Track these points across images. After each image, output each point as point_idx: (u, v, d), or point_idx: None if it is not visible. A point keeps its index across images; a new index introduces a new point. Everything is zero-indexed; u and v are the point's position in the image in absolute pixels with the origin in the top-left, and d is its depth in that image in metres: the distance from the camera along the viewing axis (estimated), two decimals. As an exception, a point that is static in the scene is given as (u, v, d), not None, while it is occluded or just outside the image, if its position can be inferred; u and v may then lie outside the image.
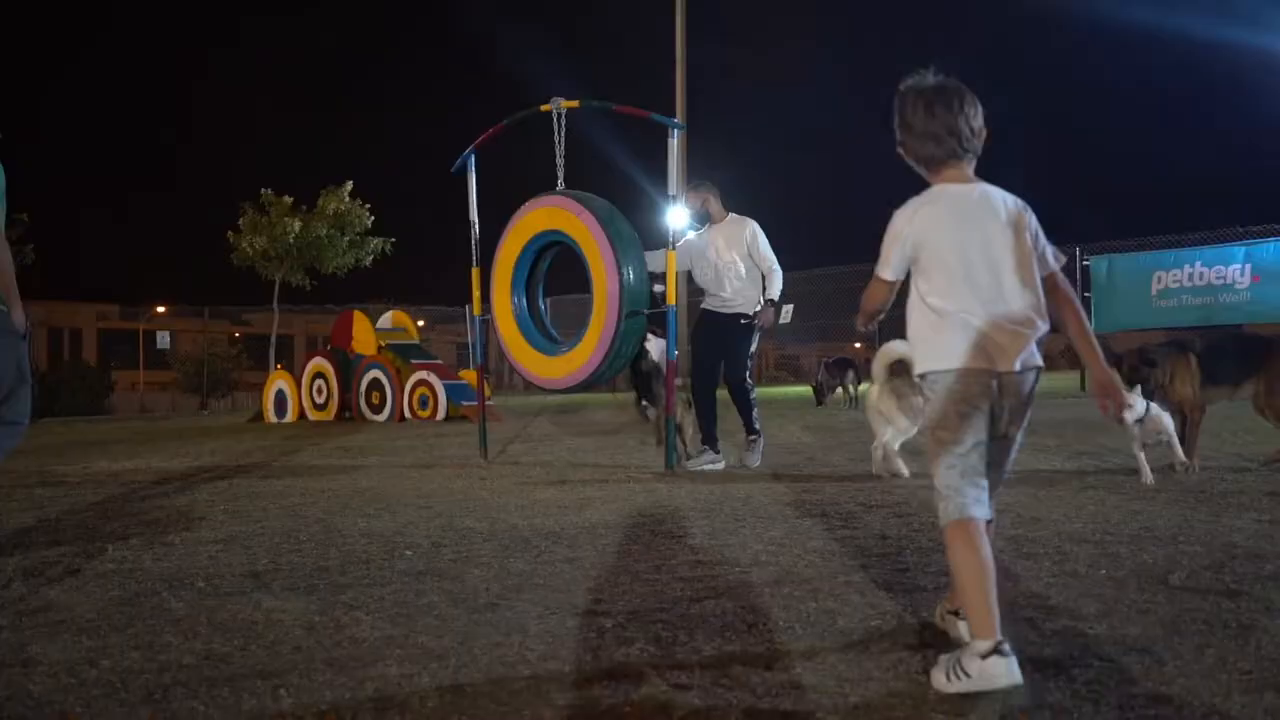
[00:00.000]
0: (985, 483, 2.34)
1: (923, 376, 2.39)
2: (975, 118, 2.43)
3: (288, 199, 21.64)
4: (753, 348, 6.75)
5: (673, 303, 6.51)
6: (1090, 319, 16.36)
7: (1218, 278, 14.31)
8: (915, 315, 2.42)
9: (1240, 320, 15.36)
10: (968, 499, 2.30)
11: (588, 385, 7.02)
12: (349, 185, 21.87)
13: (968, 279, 2.32)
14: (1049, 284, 2.41)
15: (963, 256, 2.33)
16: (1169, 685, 2.17)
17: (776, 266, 6.69)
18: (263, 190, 21.71)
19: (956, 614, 2.47)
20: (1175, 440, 5.39)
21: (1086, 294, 15.74)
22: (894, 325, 2.80)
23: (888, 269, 2.48)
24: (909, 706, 2.10)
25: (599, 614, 2.88)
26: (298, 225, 21.15)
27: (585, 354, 6.71)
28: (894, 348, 5.55)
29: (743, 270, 6.61)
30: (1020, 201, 2.43)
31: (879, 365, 5.68)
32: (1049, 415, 9.55)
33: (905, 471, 5.66)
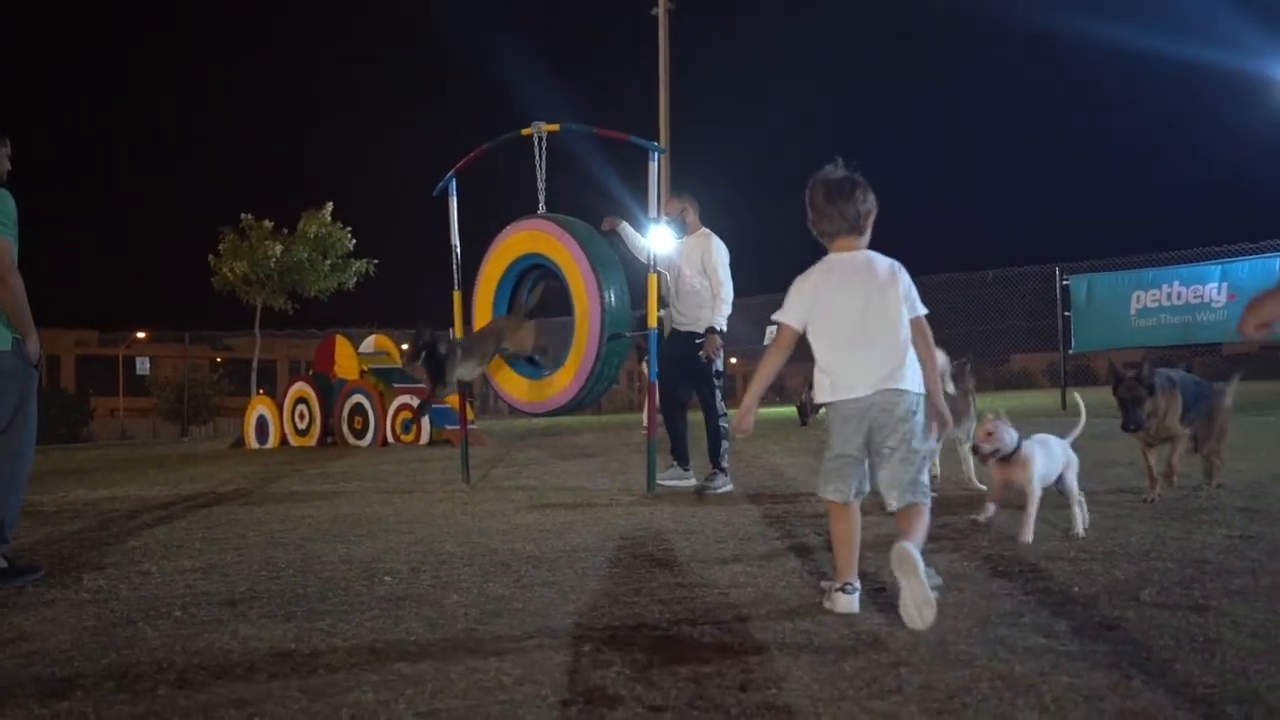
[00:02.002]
0: (851, 479, 3.08)
1: (826, 410, 3.15)
2: (864, 203, 3.12)
3: (268, 223, 21.61)
4: (716, 368, 6.58)
5: (654, 325, 6.54)
6: (1071, 338, 16.46)
7: (1195, 297, 14.46)
8: (816, 371, 3.15)
9: (1218, 339, 15.53)
10: (829, 487, 3.11)
11: (570, 409, 7.03)
12: (329, 207, 21.87)
13: (843, 333, 3.04)
14: (914, 326, 3.10)
15: (841, 314, 3.05)
16: (1135, 700, 2.20)
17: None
18: (243, 215, 21.70)
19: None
20: (1032, 506, 4.13)
21: (1067, 313, 15.88)
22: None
23: (791, 316, 3.13)
24: (881, 726, 2.12)
25: (577, 637, 2.89)
26: (278, 249, 21.12)
27: (567, 377, 6.73)
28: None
29: (698, 287, 6.56)
30: (896, 264, 3.13)
31: None
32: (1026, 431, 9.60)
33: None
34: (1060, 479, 4.27)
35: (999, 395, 18.62)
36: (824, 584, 3.24)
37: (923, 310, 3.13)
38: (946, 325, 17.58)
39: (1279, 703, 2.16)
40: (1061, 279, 16.02)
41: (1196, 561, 3.59)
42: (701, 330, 6.50)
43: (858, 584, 3.07)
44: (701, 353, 6.46)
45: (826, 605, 3.05)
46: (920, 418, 3.05)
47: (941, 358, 5.55)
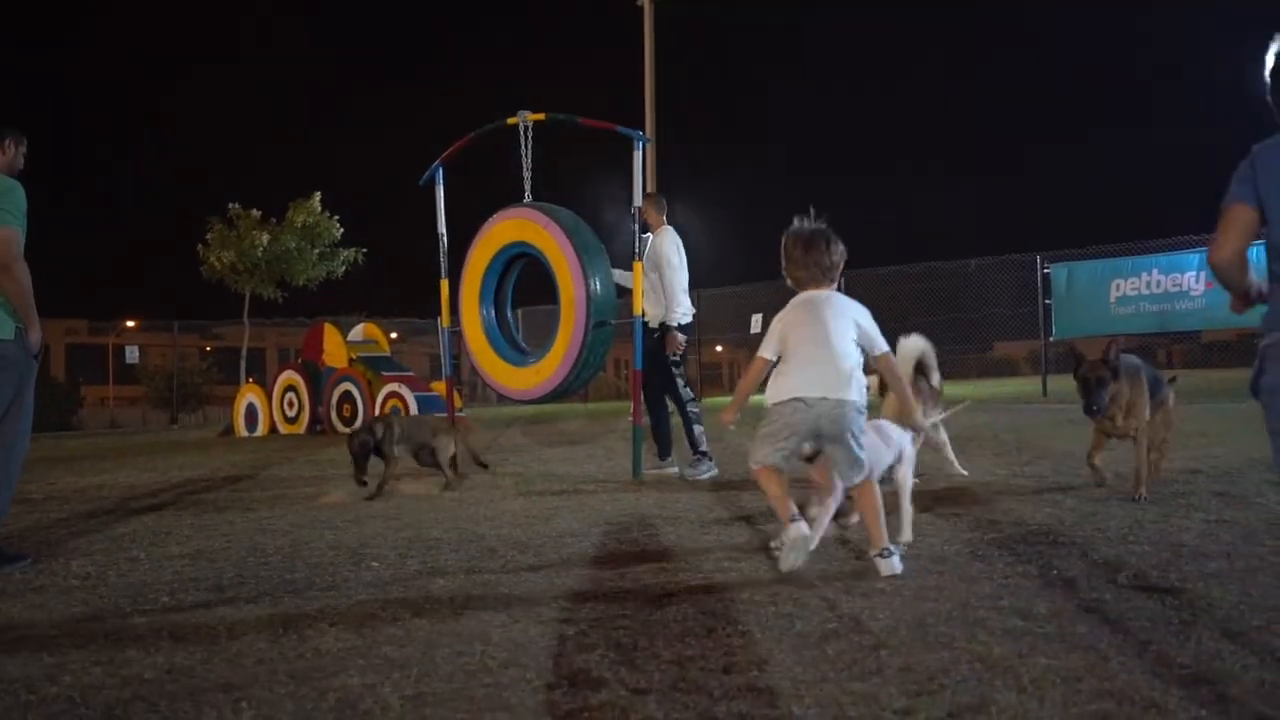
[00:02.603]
0: (781, 452, 3.49)
1: (772, 405, 3.51)
2: (834, 253, 3.62)
3: (255, 212, 21.49)
4: (674, 359, 6.66)
5: (638, 314, 6.56)
6: (1052, 326, 16.50)
7: (1174, 285, 14.55)
8: (772, 376, 3.57)
9: (1196, 327, 15.61)
10: (769, 457, 3.49)
11: (556, 396, 7.05)
12: (317, 197, 21.76)
13: (807, 353, 3.48)
14: (881, 361, 3.67)
15: (808, 341, 3.49)
16: (1112, 680, 2.24)
17: (671, 282, 6.56)
18: (230, 204, 21.58)
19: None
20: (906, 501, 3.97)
21: (1048, 301, 15.95)
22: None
23: (767, 351, 3.58)
24: (863, 707, 2.15)
25: (561, 621, 2.92)
26: (266, 238, 21.02)
27: (553, 365, 6.75)
28: (915, 344, 5.63)
29: (656, 283, 6.64)
30: (859, 306, 3.66)
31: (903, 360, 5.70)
32: (1010, 420, 9.68)
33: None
34: (890, 470, 3.91)
35: (982, 383, 18.72)
36: (773, 543, 3.73)
37: (883, 348, 3.64)
38: (930, 313, 17.64)
39: (1253, 683, 2.20)
40: (1042, 267, 16.09)
41: (1173, 545, 3.64)
42: (655, 325, 6.65)
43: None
44: (666, 347, 6.60)
45: (776, 552, 3.57)
46: (861, 421, 3.50)
47: (924, 344, 5.60)
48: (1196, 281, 14.31)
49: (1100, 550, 3.60)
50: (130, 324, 37.14)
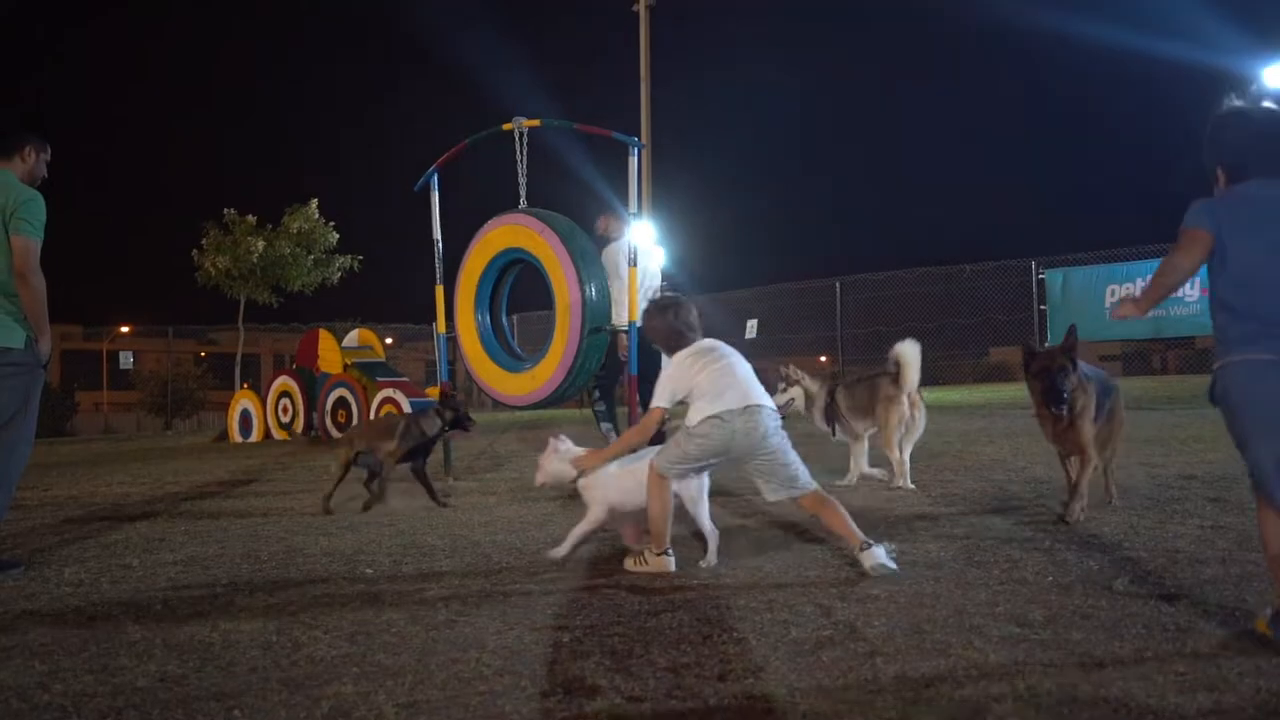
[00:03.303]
0: (681, 472, 3.74)
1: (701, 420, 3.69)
2: (691, 315, 4.00)
3: (251, 218, 21.47)
4: (621, 361, 6.88)
5: (634, 319, 6.55)
6: (1047, 331, 16.51)
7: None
8: (691, 411, 3.78)
9: (1191, 333, 15.63)
10: (676, 469, 3.71)
11: (552, 402, 7.04)
12: (314, 203, 21.75)
13: (716, 381, 3.74)
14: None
15: (714, 374, 3.76)
16: (1108, 688, 2.24)
17: (618, 290, 6.76)
18: (226, 209, 21.56)
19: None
20: (581, 526, 4.00)
21: (1043, 306, 15.98)
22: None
23: (663, 401, 3.84)
24: (859, 715, 2.15)
25: (556, 628, 2.91)
26: (261, 244, 20.99)
27: (548, 370, 6.73)
28: (896, 349, 5.69)
29: (614, 292, 6.84)
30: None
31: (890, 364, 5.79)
32: (1005, 425, 9.68)
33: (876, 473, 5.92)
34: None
35: (978, 388, 18.72)
36: (632, 553, 3.85)
37: None
38: (926, 319, 17.66)
39: (1249, 690, 2.20)
40: (1037, 273, 16.13)
41: (1168, 551, 3.64)
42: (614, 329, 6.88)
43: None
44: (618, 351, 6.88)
45: (645, 563, 3.71)
46: (780, 432, 3.75)
47: (914, 349, 5.64)
48: (1191, 287, 14.32)
49: (1096, 556, 3.60)
50: (125, 329, 37.08)
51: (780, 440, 3.70)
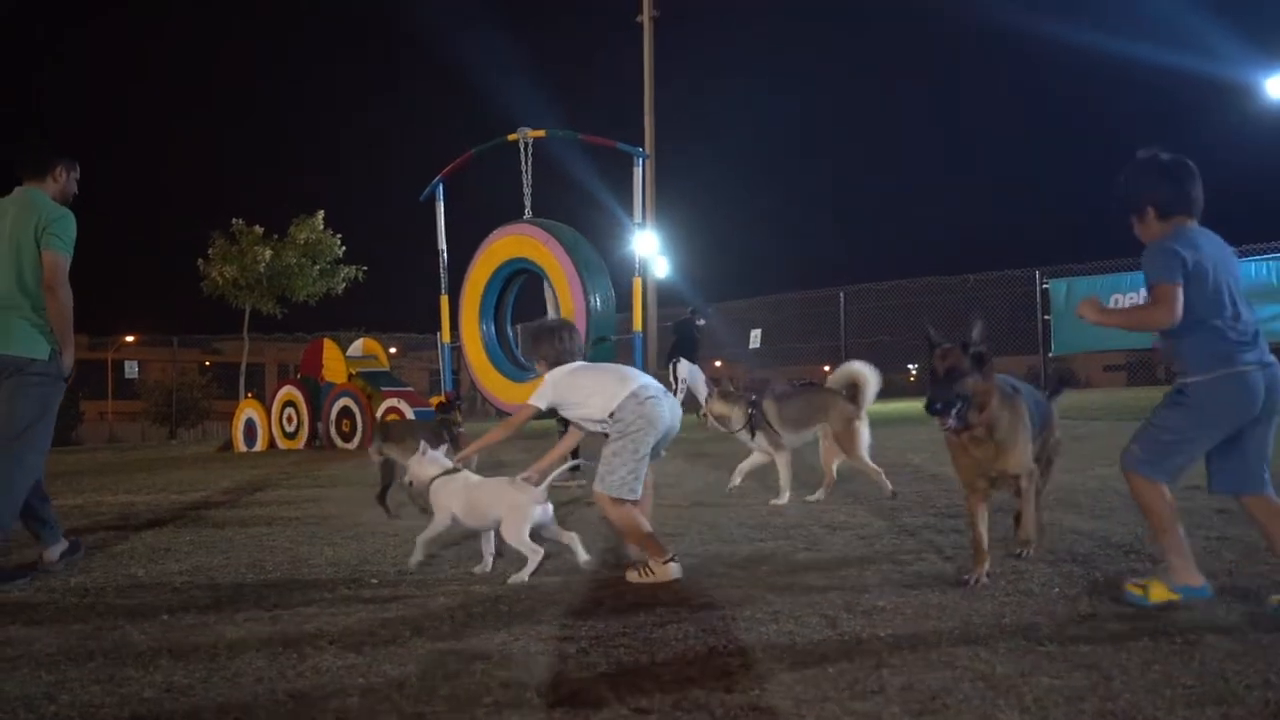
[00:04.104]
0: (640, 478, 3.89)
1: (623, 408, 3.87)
2: (575, 339, 4.31)
3: (258, 228, 21.54)
4: None
5: (639, 329, 6.57)
6: (1051, 342, 16.52)
7: (1173, 300, 14.56)
8: (588, 409, 3.98)
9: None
10: (634, 486, 3.84)
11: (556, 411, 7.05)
12: (320, 214, 21.82)
13: (612, 374, 4.07)
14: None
15: (603, 373, 4.13)
16: (1115, 701, 2.23)
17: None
18: (234, 220, 21.63)
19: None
20: (427, 531, 4.11)
21: (1046, 316, 15.94)
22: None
23: (542, 402, 4.09)
24: (863, 726, 2.15)
25: (562, 639, 2.91)
26: (268, 254, 21.05)
27: (553, 380, 6.74)
28: (853, 369, 5.68)
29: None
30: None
31: (836, 383, 5.81)
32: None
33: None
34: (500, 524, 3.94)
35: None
36: (634, 564, 3.84)
37: None
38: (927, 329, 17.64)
39: (1257, 703, 2.20)
40: (1041, 282, 16.10)
41: None
42: None
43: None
44: None
45: (650, 573, 3.72)
46: None
47: (870, 368, 5.74)
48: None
49: (1102, 567, 3.59)
50: (130, 339, 37.14)
51: None
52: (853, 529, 4.72)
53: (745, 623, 3.02)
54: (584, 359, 4.34)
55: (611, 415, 3.88)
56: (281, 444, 14.44)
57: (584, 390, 4.00)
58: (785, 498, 5.71)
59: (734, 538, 4.63)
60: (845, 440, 5.73)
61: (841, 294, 18.79)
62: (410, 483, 4.28)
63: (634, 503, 3.86)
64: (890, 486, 5.69)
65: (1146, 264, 2.97)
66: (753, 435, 5.93)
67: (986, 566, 3.49)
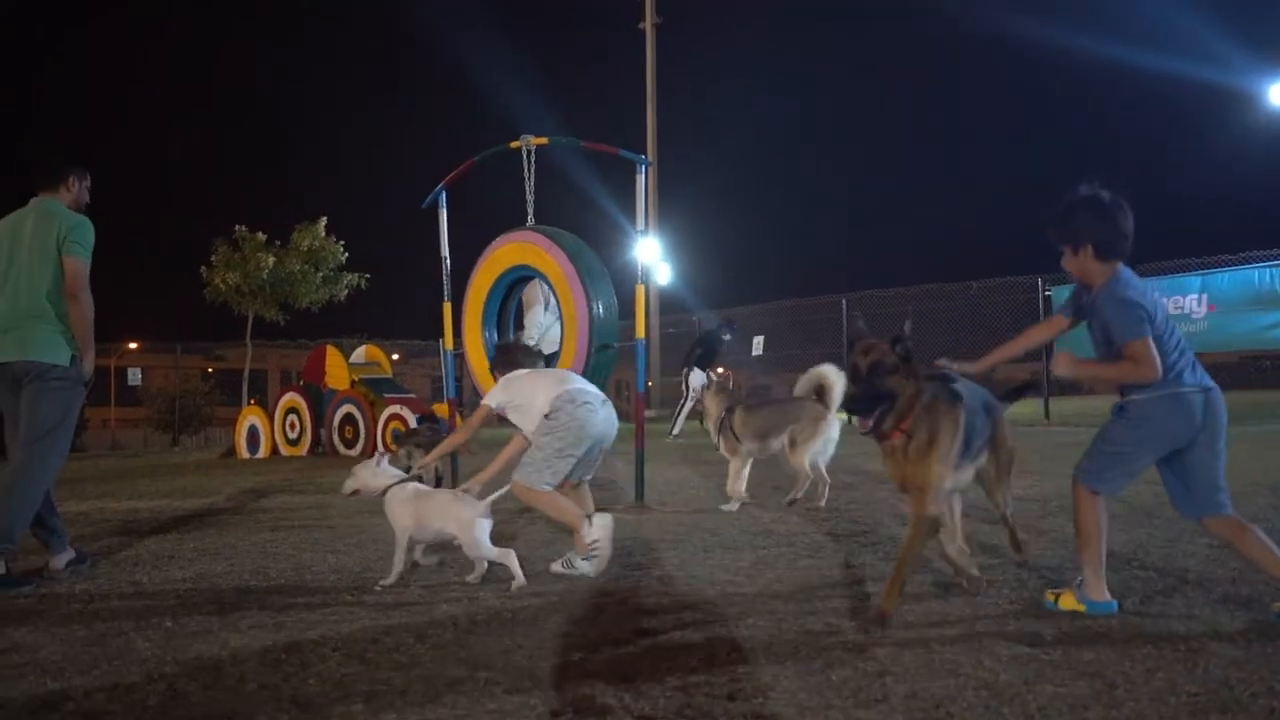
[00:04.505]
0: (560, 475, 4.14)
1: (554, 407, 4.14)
2: (530, 357, 4.71)
3: (261, 235, 21.59)
4: None
5: (641, 336, 6.58)
6: (1054, 349, 16.62)
7: (1175, 308, 14.53)
8: (529, 415, 4.24)
9: (1198, 349, 15.56)
10: (548, 479, 4.07)
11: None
12: (323, 221, 21.86)
13: (555, 376, 4.40)
14: None
15: (547, 377, 4.40)
16: (1119, 709, 2.23)
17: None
18: (236, 226, 21.67)
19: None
20: (399, 550, 4.05)
21: (1048, 324, 15.91)
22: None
23: (494, 401, 4.36)
24: (866, 734, 2.15)
25: (566, 647, 2.91)
26: (271, 261, 21.09)
27: (556, 387, 6.75)
28: (819, 371, 5.73)
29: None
30: None
31: (803, 388, 5.84)
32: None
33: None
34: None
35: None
36: (561, 558, 4.11)
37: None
38: (931, 336, 17.63)
39: (1261, 710, 2.20)
40: (1044, 289, 16.09)
41: (1178, 570, 3.63)
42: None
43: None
44: None
45: (572, 566, 4.01)
46: None
47: (837, 371, 5.70)
48: (1198, 304, 14.31)
49: (1105, 576, 3.58)
50: (133, 346, 37.18)
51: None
52: (855, 537, 4.72)
53: (749, 630, 3.02)
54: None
55: (548, 415, 4.12)
56: (284, 451, 14.45)
57: (529, 390, 4.24)
58: (734, 506, 5.90)
59: (737, 544, 4.63)
60: (803, 437, 5.85)
61: (844, 301, 18.80)
62: (355, 492, 4.26)
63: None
64: (816, 500, 5.81)
65: (1115, 322, 3.06)
66: (718, 436, 6.18)
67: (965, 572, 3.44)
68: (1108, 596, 3.11)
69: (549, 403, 4.14)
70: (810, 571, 3.91)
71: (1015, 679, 2.45)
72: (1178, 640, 2.73)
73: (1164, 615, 3.01)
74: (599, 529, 3.97)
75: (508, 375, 4.43)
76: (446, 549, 4.27)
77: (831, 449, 5.93)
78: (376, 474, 4.20)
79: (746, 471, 6.08)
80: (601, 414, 4.19)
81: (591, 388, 4.29)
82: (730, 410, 6.13)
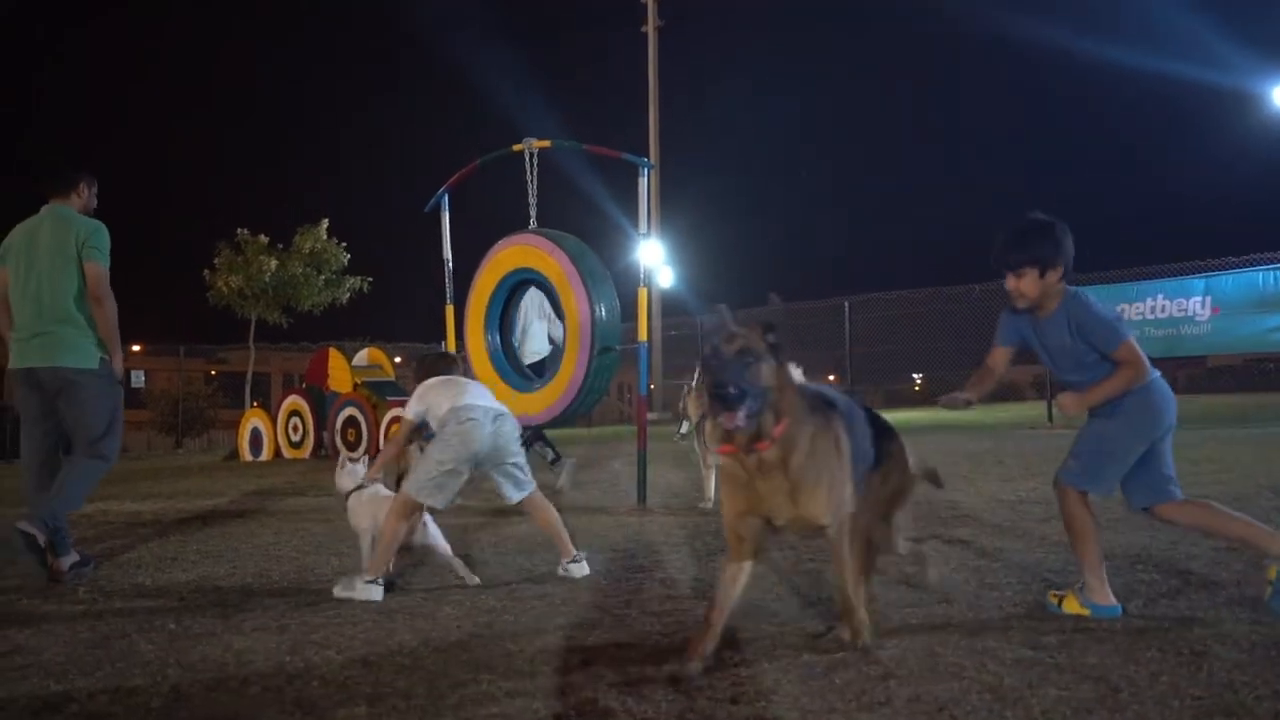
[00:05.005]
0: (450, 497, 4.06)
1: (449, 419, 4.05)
2: (449, 365, 4.54)
3: (263, 238, 21.62)
4: None
5: (644, 339, 6.58)
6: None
7: (1179, 310, 14.51)
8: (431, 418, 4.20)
9: (1202, 352, 15.54)
10: (434, 494, 3.96)
11: (561, 421, 7.05)
12: (325, 224, 21.89)
13: (458, 389, 4.25)
14: None
15: (453, 388, 4.26)
16: (1123, 712, 2.23)
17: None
18: (238, 229, 21.70)
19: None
20: (364, 550, 4.11)
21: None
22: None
23: (410, 413, 4.27)
24: (870, 737, 2.14)
25: (568, 650, 2.91)
26: (274, 264, 21.12)
27: (558, 390, 6.75)
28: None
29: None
30: None
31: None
32: (1015, 446, 9.65)
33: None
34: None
35: (987, 409, 18.68)
36: (344, 579, 3.93)
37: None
38: (933, 339, 17.62)
39: (1267, 714, 2.19)
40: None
41: (1182, 573, 3.62)
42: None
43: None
44: None
45: (352, 589, 3.80)
46: (517, 441, 4.29)
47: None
48: (1202, 307, 14.27)
49: (1109, 578, 3.58)
50: (136, 348, 37.20)
51: (519, 446, 4.26)
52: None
53: (751, 633, 3.01)
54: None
55: (440, 427, 4.12)
56: (287, 453, 14.46)
57: (436, 400, 4.22)
58: (711, 504, 6.04)
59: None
60: None
61: (846, 303, 18.78)
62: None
63: (433, 510, 4.06)
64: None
65: (1100, 332, 3.10)
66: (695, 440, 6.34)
67: (708, 648, 2.64)
68: (1112, 600, 3.10)
69: (442, 413, 4.13)
70: (813, 575, 3.91)
71: (1019, 682, 2.45)
72: (1182, 643, 2.72)
73: (1168, 618, 3.00)
74: (576, 568, 4.09)
75: (423, 384, 4.37)
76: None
77: None
78: (340, 476, 4.27)
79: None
80: (489, 429, 4.05)
81: (486, 402, 4.20)
82: (704, 416, 6.14)
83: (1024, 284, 3.19)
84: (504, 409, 4.26)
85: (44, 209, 4.68)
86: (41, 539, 4.29)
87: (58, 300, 4.48)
